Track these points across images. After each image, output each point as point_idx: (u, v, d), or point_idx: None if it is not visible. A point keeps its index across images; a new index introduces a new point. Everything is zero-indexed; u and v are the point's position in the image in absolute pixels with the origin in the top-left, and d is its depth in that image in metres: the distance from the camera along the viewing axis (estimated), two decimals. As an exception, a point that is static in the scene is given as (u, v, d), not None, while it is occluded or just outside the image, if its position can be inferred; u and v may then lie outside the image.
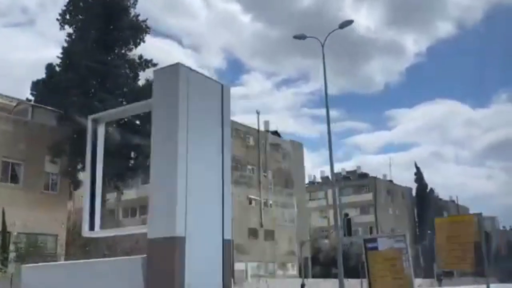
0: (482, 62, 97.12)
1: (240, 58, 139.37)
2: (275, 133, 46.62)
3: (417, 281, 45.91)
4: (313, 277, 44.80)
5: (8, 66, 51.18)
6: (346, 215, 44.29)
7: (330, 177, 69.83)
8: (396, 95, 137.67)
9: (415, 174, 68.93)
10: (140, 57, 27.09)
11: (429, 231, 50.46)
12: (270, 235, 42.24)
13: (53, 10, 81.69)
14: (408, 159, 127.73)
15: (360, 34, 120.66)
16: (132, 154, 27.00)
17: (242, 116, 71.64)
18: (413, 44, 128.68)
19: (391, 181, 68.78)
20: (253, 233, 40.70)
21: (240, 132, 42.11)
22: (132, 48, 28.03)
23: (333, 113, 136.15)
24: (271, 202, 43.08)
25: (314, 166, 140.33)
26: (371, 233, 60.98)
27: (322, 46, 23.96)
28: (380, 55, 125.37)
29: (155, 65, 27.45)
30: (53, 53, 43.85)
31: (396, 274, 8.51)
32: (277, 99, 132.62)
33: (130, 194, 41.89)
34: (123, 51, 27.65)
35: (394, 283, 8.52)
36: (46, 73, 27.89)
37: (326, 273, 44.01)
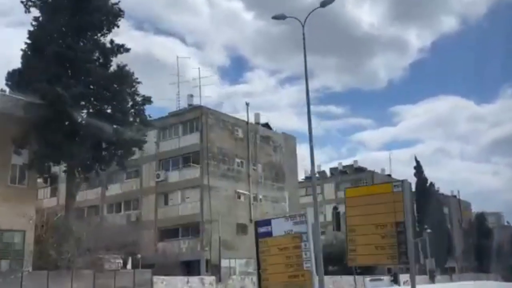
0: (486, 57, 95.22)
1: (243, 55, 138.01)
2: (266, 125, 44.90)
3: (404, 277, 43.97)
4: (307, 274, 43.18)
5: (13, 65, 51.01)
6: (336, 208, 42.57)
7: (327, 172, 68.08)
8: (400, 91, 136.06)
9: (415, 168, 67.31)
10: (112, 42, 25.50)
11: (425, 226, 48.62)
12: (260, 230, 40.61)
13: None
14: (412, 155, 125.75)
15: (363, 30, 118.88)
16: (103, 144, 25.33)
17: (245, 113, 69.47)
18: (417, 39, 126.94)
19: (389, 175, 66.93)
20: (242, 228, 39.10)
21: (228, 123, 40.49)
22: (107, 33, 26.49)
23: (337, 110, 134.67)
24: (261, 196, 41.45)
25: (318, 163, 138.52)
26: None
27: (303, 26, 22.76)
28: (383, 51, 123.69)
29: (127, 50, 25.90)
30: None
31: (293, 269, 6.38)
32: (281, 96, 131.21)
33: (114, 189, 40.47)
34: (95, 36, 26.04)
35: (290, 281, 6.40)
36: (21, 62, 26.42)
37: (320, 270, 42.32)
